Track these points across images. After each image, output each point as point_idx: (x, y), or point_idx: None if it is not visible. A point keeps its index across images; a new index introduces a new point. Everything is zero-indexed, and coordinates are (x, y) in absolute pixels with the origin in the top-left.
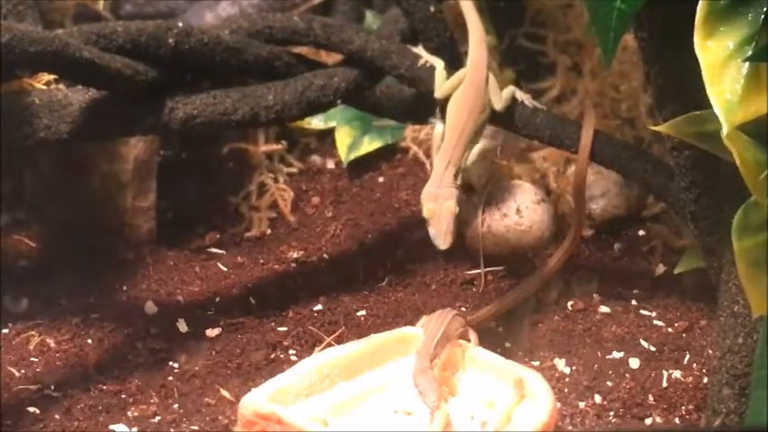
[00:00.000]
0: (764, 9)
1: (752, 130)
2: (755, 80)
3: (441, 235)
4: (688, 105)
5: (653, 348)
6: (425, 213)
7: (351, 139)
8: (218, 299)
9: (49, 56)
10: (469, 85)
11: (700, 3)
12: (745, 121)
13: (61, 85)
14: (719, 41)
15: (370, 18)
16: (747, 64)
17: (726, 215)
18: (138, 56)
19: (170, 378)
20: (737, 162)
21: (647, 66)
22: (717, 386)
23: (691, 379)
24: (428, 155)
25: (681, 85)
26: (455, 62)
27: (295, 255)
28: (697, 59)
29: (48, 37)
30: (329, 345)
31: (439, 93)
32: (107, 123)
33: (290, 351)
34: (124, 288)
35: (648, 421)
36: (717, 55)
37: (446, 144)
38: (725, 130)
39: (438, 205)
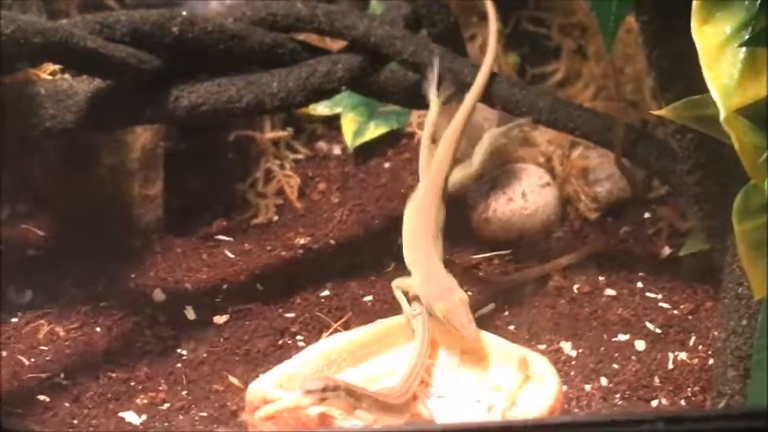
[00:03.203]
0: None
1: (750, 113)
2: (753, 64)
3: (466, 326)
4: (689, 89)
5: (659, 330)
6: (439, 313)
7: (356, 124)
8: (225, 286)
9: (54, 46)
10: (427, 196)
11: None
12: (742, 106)
13: (66, 75)
14: (716, 26)
15: (375, 4)
16: (744, 48)
17: (729, 198)
18: (143, 45)
19: (178, 365)
20: (736, 146)
21: (649, 49)
22: (721, 368)
23: (696, 361)
24: (434, 139)
25: (682, 69)
26: (459, 48)
27: (302, 241)
28: None
29: (51, 27)
30: (336, 330)
31: (425, 138)
32: (112, 113)
33: (298, 337)
34: (132, 276)
35: (654, 403)
36: (713, 40)
37: (417, 248)
38: (722, 115)
39: (448, 301)
